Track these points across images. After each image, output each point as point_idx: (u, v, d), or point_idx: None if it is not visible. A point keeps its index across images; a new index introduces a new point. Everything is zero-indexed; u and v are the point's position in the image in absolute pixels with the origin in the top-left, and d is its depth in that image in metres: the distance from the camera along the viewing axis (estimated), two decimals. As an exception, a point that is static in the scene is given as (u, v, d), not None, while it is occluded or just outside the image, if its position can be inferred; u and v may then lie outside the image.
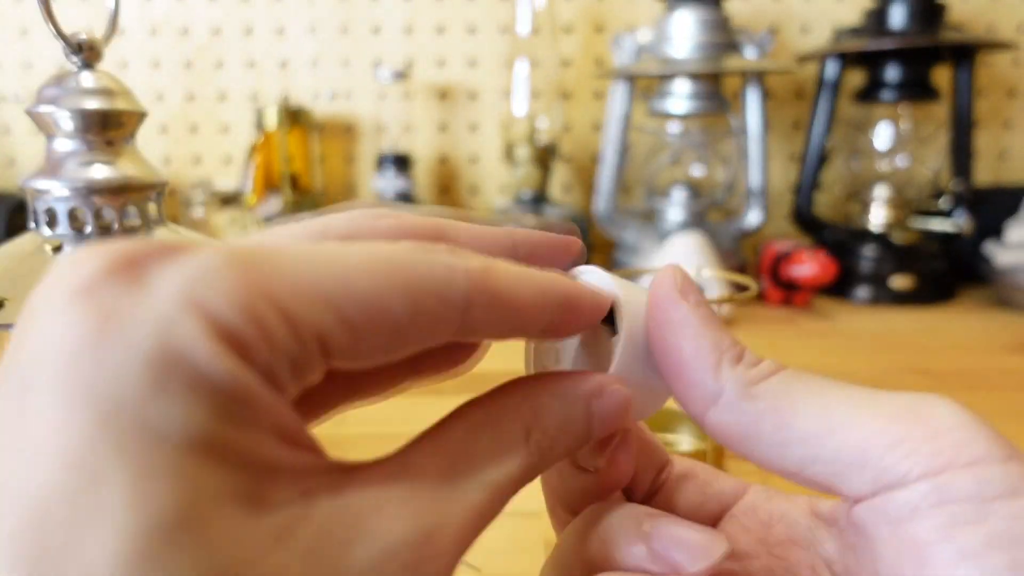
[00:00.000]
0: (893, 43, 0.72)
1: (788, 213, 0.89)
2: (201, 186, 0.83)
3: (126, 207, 0.32)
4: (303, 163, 0.86)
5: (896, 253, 0.76)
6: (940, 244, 0.78)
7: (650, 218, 0.85)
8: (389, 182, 0.83)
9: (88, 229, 0.32)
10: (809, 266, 0.70)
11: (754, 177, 0.79)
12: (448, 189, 0.95)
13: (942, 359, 0.58)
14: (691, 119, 0.79)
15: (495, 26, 0.90)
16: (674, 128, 0.80)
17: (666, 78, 0.78)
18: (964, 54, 0.76)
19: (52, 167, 0.32)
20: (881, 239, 0.77)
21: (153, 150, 0.93)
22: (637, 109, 0.85)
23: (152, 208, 0.34)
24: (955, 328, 0.67)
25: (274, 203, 0.82)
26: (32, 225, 0.33)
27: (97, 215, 0.32)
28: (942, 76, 0.80)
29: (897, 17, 0.73)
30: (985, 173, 0.91)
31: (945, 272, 0.77)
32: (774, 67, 0.75)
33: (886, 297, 0.75)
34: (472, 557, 0.31)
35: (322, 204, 0.89)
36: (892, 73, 0.77)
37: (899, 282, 0.75)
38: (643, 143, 0.84)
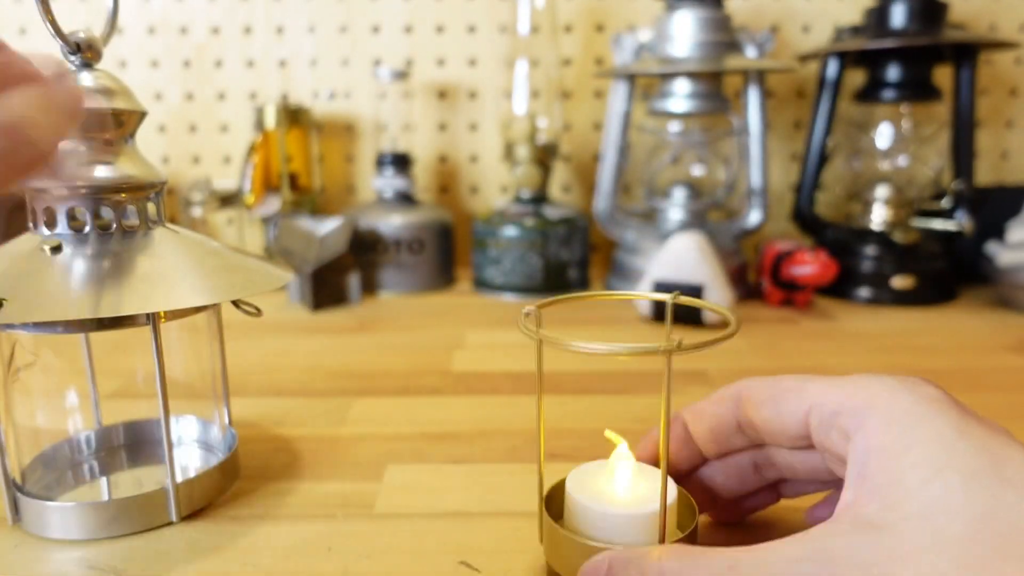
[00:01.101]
0: (894, 42, 0.72)
1: (789, 213, 0.88)
2: (200, 185, 0.83)
3: (125, 206, 0.32)
4: (302, 162, 0.86)
5: (897, 253, 0.76)
6: (941, 244, 0.78)
7: (650, 218, 0.85)
8: (388, 181, 0.83)
9: (87, 229, 0.32)
10: (810, 266, 0.69)
11: (755, 177, 0.79)
12: (448, 188, 0.95)
13: (943, 359, 0.57)
14: (691, 118, 0.79)
15: (495, 25, 0.90)
16: (674, 128, 0.80)
17: (666, 77, 0.77)
18: (965, 53, 0.76)
19: (51, 167, 0.32)
20: (882, 239, 0.77)
21: (152, 149, 0.93)
22: (637, 109, 0.84)
23: (151, 207, 0.34)
24: (956, 328, 0.66)
25: (273, 202, 0.82)
26: (31, 225, 0.32)
27: (96, 215, 0.32)
28: (944, 75, 0.79)
29: (898, 16, 0.73)
30: (987, 173, 0.91)
31: (946, 272, 0.77)
32: (775, 66, 0.75)
33: (887, 297, 0.75)
34: (472, 557, 0.31)
35: (321, 204, 0.89)
36: (893, 72, 0.76)
37: (900, 282, 0.75)
38: (643, 143, 0.83)
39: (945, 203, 0.78)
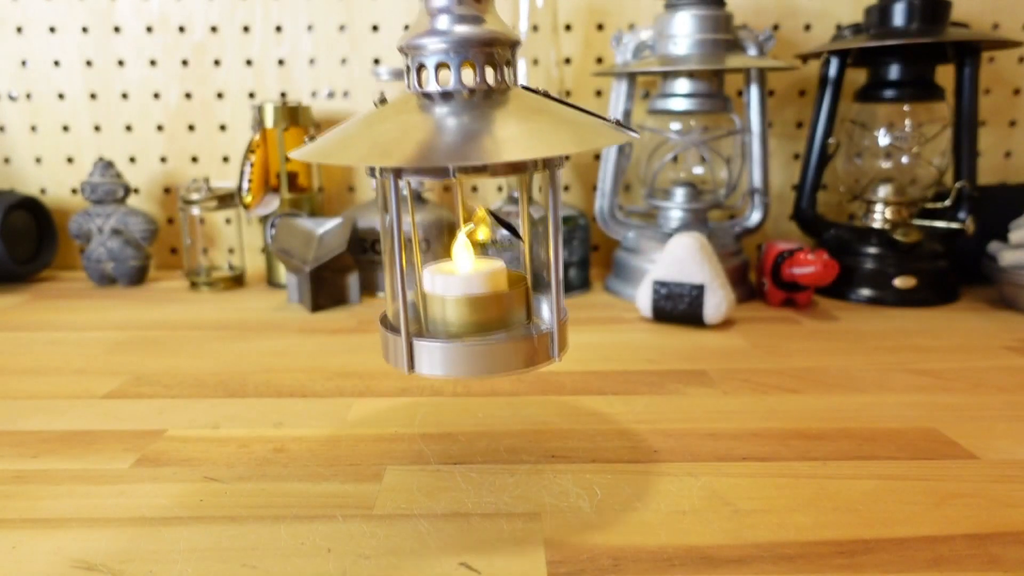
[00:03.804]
0: (895, 41, 0.71)
1: (790, 212, 0.88)
2: (198, 185, 0.83)
3: (487, 62, 0.32)
4: (301, 162, 0.85)
5: (899, 253, 0.76)
6: (943, 244, 0.78)
7: (651, 218, 0.85)
8: (388, 181, 0.82)
9: (476, 81, 0.32)
10: (811, 266, 0.69)
11: (756, 176, 0.79)
12: (448, 187, 0.95)
13: (945, 360, 0.57)
14: (692, 118, 0.79)
15: (495, 24, 0.90)
16: (675, 127, 0.79)
17: (667, 76, 0.77)
18: (968, 52, 0.76)
19: (427, 24, 0.32)
20: (884, 238, 0.77)
21: (150, 148, 0.93)
22: (638, 108, 0.84)
23: (509, 65, 0.33)
24: (958, 328, 0.66)
25: (272, 202, 0.82)
26: (407, 83, 0.33)
27: (461, 68, 0.32)
28: (946, 74, 0.79)
29: (900, 15, 0.73)
30: (989, 172, 0.91)
31: (948, 272, 0.77)
32: (776, 65, 0.75)
33: (889, 297, 0.75)
34: (472, 558, 0.31)
35: (320, 203, 0.88)
36: (895, 71, 0.76)
37: (902, 282, 0.74)
38: (644, 143, 0.83)
39: (947, 203, 0.78)
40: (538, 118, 0.31)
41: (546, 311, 0.39)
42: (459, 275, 0.36)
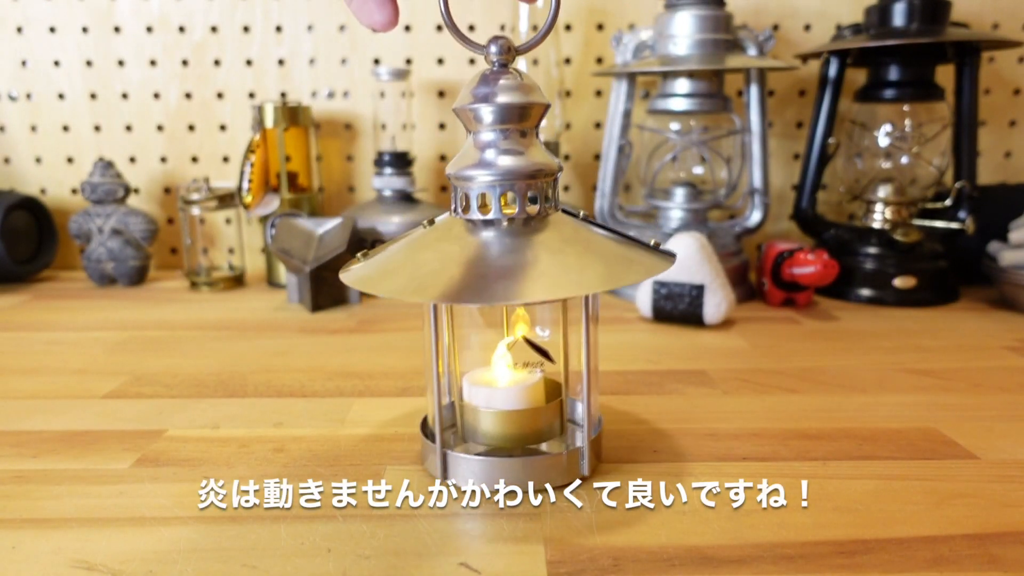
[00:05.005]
0: (895, 41, 0.71)
1: (790, 212, 0.88)
2: (198, 184, 0.83)
3: (528, 192, 0.34)
4: (301, 162, 0.85)
5: (899, 253, 0.76)
6: (943, 244, 0.78)
7: (651, 218, 0.85)
8: (388, 180, 0.82)
9: (515, 212, 0.33)
10: (811, 266, 0.69)
11: (756, 176, 0.79)
12: (448, 188, 0.95)
13: (945, 360, 0.57)
14: (692, 118, 0.78)
15: (495, 24, 0.90)
16: (675, 127, 0.79)
17: (667, 76, 0.77)
18: (968, 52, 0.76)
19: (474, 157, 0.34)
20: (884, 238, 0.77)
21: (150, 148, 0.93)
22: (638, 108, 0.84)
23: (550, 193, 0.35)
24: (958, 328, 0.66)
25: (272, 202, 0.82)
26: (452, 207, 0.35)
27: (503, 199, 0.34)
28: (946, 74, 0.79)
29: (900, 15, 0.73)
30: (989, 172, 0.91)
31: (948, 272, 0.76)
32: (776, 65, 0.75)
33: (888, 297, 0.75)
34: (472, 557, 0.31)
35: (320, 203, 0.88)
36: (895, 71, 0.76)
37: (902, 282, 0.74)
38: (644, 143, 0.83)
39: (947, 203, 0.78)
40: (572, 251, 0.33)
41: (579, 411, 0.41)
42: (496, 388, 0.38)
